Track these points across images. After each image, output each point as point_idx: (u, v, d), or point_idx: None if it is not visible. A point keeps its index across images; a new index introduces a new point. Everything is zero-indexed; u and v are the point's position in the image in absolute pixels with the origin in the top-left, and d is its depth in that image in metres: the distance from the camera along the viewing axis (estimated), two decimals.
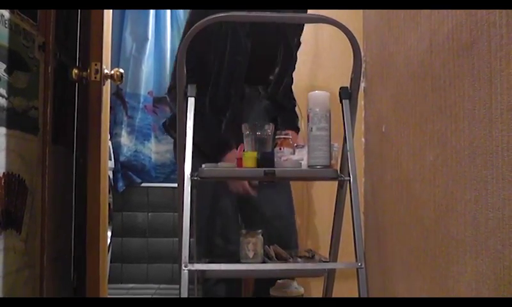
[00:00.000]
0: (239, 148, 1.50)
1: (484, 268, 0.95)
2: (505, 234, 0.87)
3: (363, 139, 1.94)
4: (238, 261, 1.50)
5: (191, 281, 1.32)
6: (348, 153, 1.43)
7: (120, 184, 3.51)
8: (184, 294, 1.27)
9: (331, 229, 1.68)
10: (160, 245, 3.54)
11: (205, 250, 1.75)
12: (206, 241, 1.78)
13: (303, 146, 1.46)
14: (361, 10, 2.08)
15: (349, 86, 1.55)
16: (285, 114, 1.87)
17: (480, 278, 0.96)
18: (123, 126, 3.60)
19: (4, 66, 1.44)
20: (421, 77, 1.29)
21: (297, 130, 1.86)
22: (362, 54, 1.62)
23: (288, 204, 1.85)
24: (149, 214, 3.56)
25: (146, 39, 3.65)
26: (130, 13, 3.65)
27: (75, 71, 1.91)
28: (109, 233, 3.06)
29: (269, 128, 1.47)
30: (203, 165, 1.43)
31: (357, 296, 1.33)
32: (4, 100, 1.44)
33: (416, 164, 1.34)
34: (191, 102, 1.45)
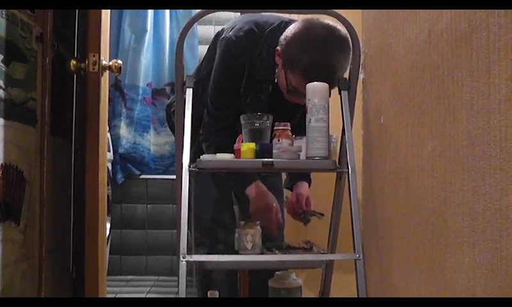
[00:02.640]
0: (237, 139, 1.50)
1: (481, 259, 0.95)
2: (502, 225, 0.87)
3: (361, 131, 1.93)
4: (236, 253, 1.50)
5: (189, 273, 1.32)
6: (346, 144, 1.43)
7: (119, 176, 3.51)
8: (182, 285, 1.27)
9: (329, 221, 1.69)
10: (159, 237, 3.55)
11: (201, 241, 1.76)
12: (203, 231, 1.79)
13: (301, 137, 1.46)
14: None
15: (347, 77, 1.55)
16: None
17: (477, 268, 0.96)
18: (122, 118, 3.60)
19: (1, 56, 1.44)
20: (420, 67, 1.29)
21: None
22: (361, 45, 1.62)
23: (279, 197, 1.88)
24: (148, 206, 3.56)
25: (145, 31, 3.64)
26: None
27: (73, 62, 1.90)
28: (108, 225, 3.07)
29: (268, 119, 1.46)
30: (201, 157, 1.43)
31: (355, 288, 1.33)
32: (1, 91, 1.44)
33: (414, 154, 1.34)
34: (189, 92, 1.45)
